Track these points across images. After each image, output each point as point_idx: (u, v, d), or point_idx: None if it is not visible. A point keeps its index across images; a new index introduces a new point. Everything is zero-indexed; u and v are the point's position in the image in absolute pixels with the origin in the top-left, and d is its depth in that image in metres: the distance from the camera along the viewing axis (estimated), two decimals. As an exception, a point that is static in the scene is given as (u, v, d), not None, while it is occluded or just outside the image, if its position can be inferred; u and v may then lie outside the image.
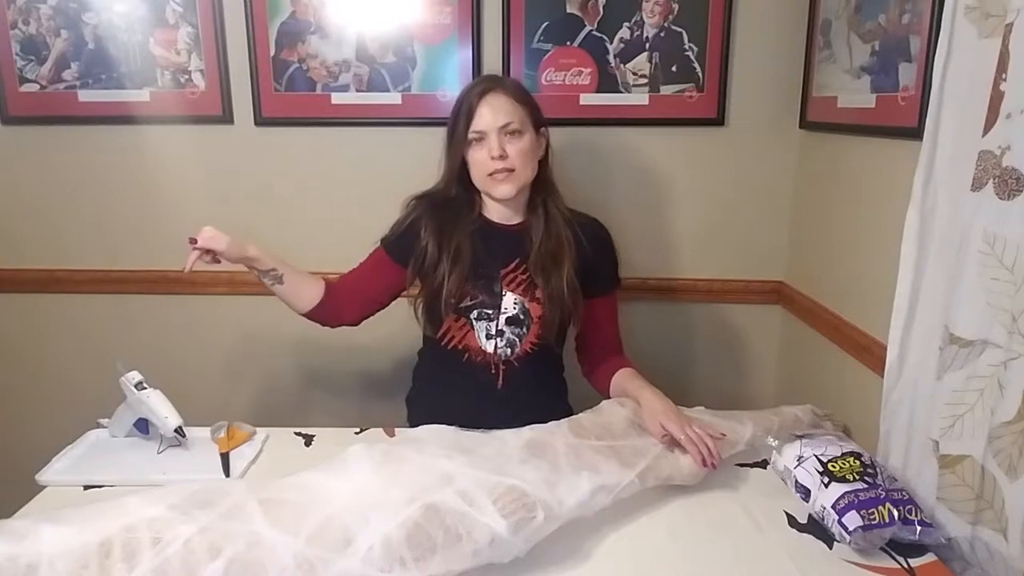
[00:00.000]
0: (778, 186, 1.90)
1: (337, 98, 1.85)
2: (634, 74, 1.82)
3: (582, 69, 1.82)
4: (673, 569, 1.08)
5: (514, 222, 1.50)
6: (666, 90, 1.83)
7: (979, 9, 1.08)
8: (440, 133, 1.48)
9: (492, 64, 1.82)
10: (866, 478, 1.18)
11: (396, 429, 1.50)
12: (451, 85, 1.83)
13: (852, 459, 1.23)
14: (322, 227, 1.92)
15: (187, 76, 1.84)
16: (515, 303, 1.46)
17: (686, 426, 1.28)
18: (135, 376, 1.37)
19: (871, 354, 1.44)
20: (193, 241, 1.34)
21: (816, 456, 1.25)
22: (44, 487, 1.28)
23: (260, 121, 1.87)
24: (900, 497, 1.14)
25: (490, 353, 1.47)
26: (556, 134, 1.50)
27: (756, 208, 1.91)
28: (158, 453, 1.39)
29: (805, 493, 1.22)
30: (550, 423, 1.35)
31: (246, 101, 1.86)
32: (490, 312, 1.46)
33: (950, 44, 1.12)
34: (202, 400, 1.72)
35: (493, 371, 1.48)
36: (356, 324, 1.53)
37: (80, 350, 2.01)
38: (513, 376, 1.48)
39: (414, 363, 1.65)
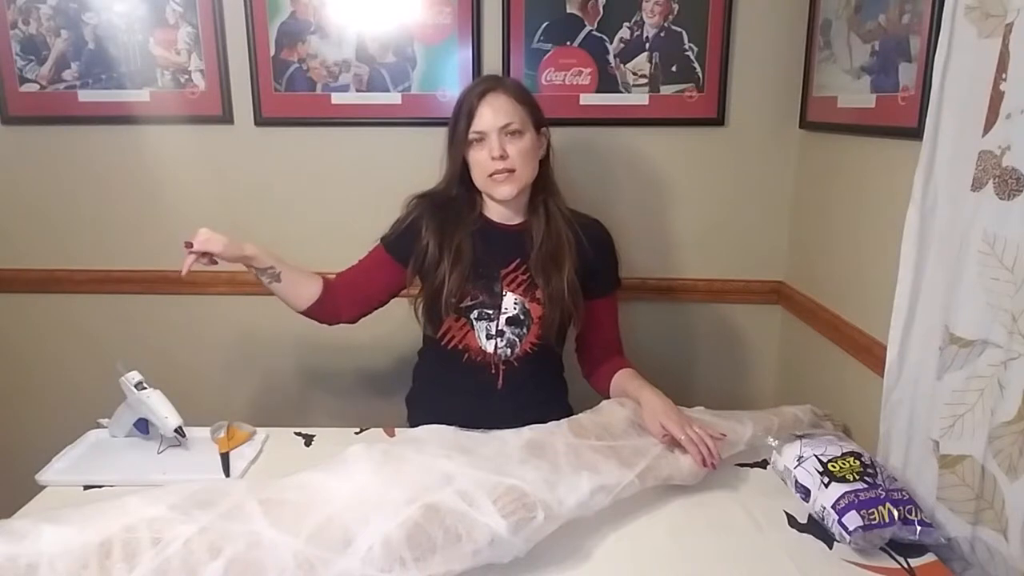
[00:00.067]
0: (778, 186, 1.90)
1: (337, 98, 1.85)
2: (634, 74, 1.82)
3: (582, 69, 1.82)
4: (673, 569, 1.08)
5: (515, 222, 1.50)
6: (666, 90, 1.83)
7: (979, 9, 1.08)
8: (440, 133, 1.48)
9: (492, 64, 1.82)
10: (866, 478, 1.18)
11: (396, 429, 1.50)
12: (451, 85, 1.83)
13: (852, 459, 1.23)
14: (322, 227, 1.92)
15: (187, 76, 1.84)
16: (515, 303, 1.46)
17: (686, 426, 1.28)
18: (135, 376, 1.37)
19: (871, 354, 1.44)
20: (189, 245, 1.33)
21: (816, 456, 1.25)
22: (44, 487, 1.28)
23: (260, 121, 1.87)
24: (900, 497, 1.14)
25: (490, 353, 1.47)
26: (556, 134, 1.50)
27: (756, 208, 1.91)
28: (158, 453, 1.39)
29: (805, 493, 1.22)
30: (550, 423, 1.35)
31: (246, 101, 1.86)
32: (490, 312, 1.46)
33: (950, 44, 1.12)
34: (202, 400, 1.72)
35: (493, 371, 1.48)
36: (354, 322, 1.53)
37: (80, 350, 2.01)
38: (513, 376, 1.48)
39: (414, 363, 1.65)
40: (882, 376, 1.29)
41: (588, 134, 1.86)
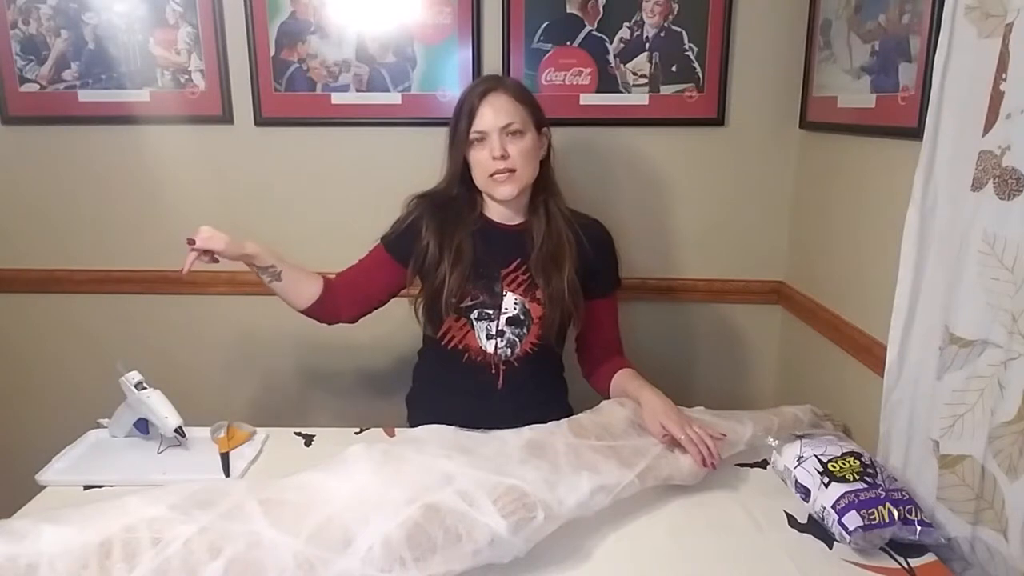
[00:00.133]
0: (778, 186, 1.90)
1: (337, 98, 1.85)
2: (634, 74, 1.82)
3: (582, 69, 1.82)
4: (673, 569, 1.08)
5: (515, 222, 1.50)
6: (666, 90, 1.83)
7: (979, 9, 1.08)
8: (440, 133, 1.48)
9: (492, 64, 1.82)
10: (866, 478, 1.18)
11: (396, 429, 1.50)
12: (451, 85, 1.83)
13: (852, 459, 1.23)
14: (322, 227, 1.92)
15: (187, 76, 1.84)
16: (515, 303, 1.46)
17: (686, 426, 1.28)
18: (135, 376, 1.37)
19: (871, 354, 1.44)
20: (191, 242, 1.34)
21: (816, 456, 1.25)
22: (44, 487, 1.28)
23: (260, 121, 1.87)
24: (900, 497, 1.14)
25: (490, 353, 1.47)
26: (556, 134, 1.50)
27: (756, 208, 1.91)
28: (158, 453, 1.39)
29: (805, 493, 1.22)
30: (550, 423, 1.35)
31: (246, 101, 1.86)
32: (490, 312, 1.46)
33: (950, 44, 1.12)
34: (202, 400, 1.72)
35: (493, 371, 1.48)
36: (354, 322, 1.53)
37: (80, 350, 2.01)
38: (513, 376, 1.48)
39: (414, 363, 1.65)
40: (882, 376, 1.29)
41: (588, 134, 1.86)
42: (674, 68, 1.81)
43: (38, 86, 1.86)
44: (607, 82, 1.83)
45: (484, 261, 1.46)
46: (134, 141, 1.88)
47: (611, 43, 1.81)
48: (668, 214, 1.93)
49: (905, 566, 1.09)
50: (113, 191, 1.92)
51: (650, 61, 1.81)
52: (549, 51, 1.81)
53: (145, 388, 1.36)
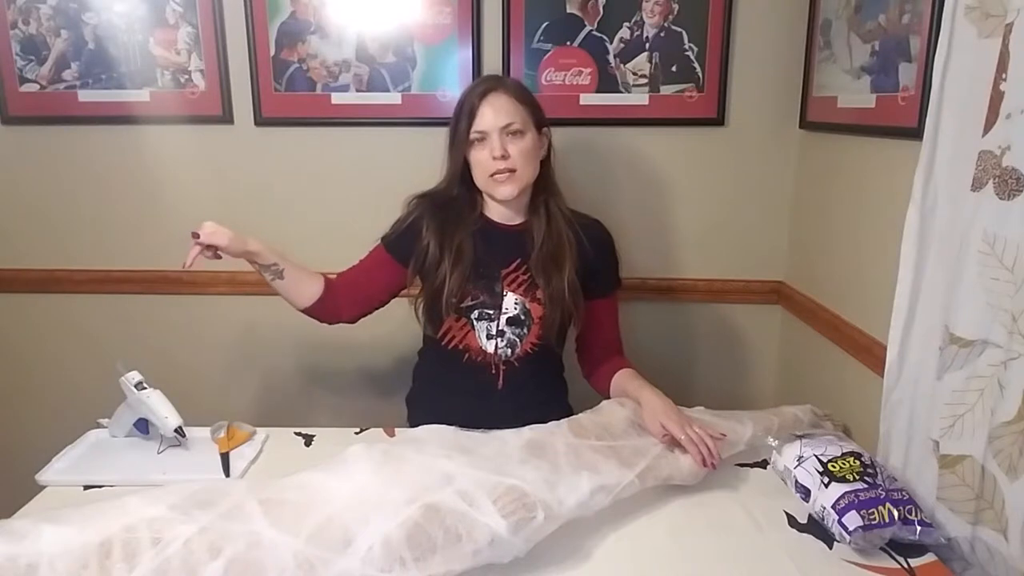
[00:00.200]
0: (778, 186, 1.90)
1: (337, 98, 1.85)
2: (634, 74, 1.82)
3: (582, 69, 1.82)
4: (673, 569, 1.08)
5: (516, 222, 1.50)
6: (666, 90, 1.83)
7: (979, 9, 1.08)
8: (440, 133, 1.48)
9: (492, 64, 1.82)
10: (866, 478, 1.18)
11: (396, 429, 1.50)
12: (451, 85, 1.83)
13: (852, 459, 1.23)
14: (322, 227, 1.92)
15: (187, 76, 1.84)
16: (516, 303, 1.46)
17: (686, 426, 1.28)
18: (135, 376, 1.37)
19: (871, 354, 1.44)
20: (196, 236, 1.33)
21: (816, 456, 1.25)
22: (44, 487, 1.28)
23: (260, 121, 1.87)
24: (900, 497, 1.14)
25: (490, 353, 1.47)
26: (556, 134, 1.50)
27: (756, 208, 1.91)
28: (158, 453, 1.39)
29: (805, 493, 1.22)
30: (550, 423, 1.35)
31: (246, 101, 1.86)
32: (491, 312, 1.46)
33: (950, 44, 1.12)
34: (202, 400, 1.72)
35: (493, 371, 1.48)
36: (354, 322, 1.53)
37: (80, 350, 2.01)
38: (513, 376, 1.48)
39: (414, 363, 1.65)
40: (882, 376, 1.29)
41: (588, 134, 1.86)
42: (674, 68, 1.81)
43: (38, 86, 1.86)
44: (607, 82, 1.83)
45: (484, 261, 1.46)
46: (134, 141, 1.88)
47: (611, 43, 1.81)
48: (668, 214, 1.93)
49: (905, 566, 1.09)
50: (113, 191, 1.92)
51: (650, 61, 1.81)
52: (549, 51, 1.81)
53: (145, 388, 1.36)
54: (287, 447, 1.44)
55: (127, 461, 1.37)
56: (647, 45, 1.81)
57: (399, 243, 1.49)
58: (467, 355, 1.48)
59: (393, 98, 1.84)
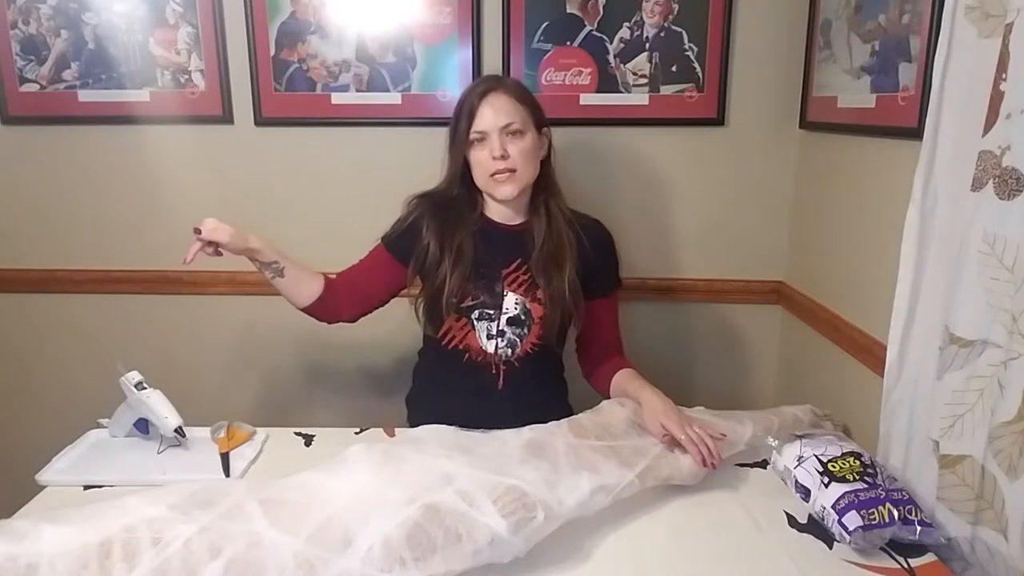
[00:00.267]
0: (778, 186, 1.90)
1: (337, 98, 1.85)
2: (634, 74, 1.82)
3: (582, 69, 1.82)
4: (673, 569, 1.08)
5: (516, 222, 1.50)
6: (666, 90, 1.83)
7: (979, 9, 1.08)
8: (440, 133, 1.48)
9: (492, 64, 1.82)
10: (866, 478, 1.18)
11: (396, 429, 1.50)
12: (451, 85, 1.83)
13: (852, 459, 1.23)
14: (322, 227, 1.92)
15: (187, 76, 1.84)
16: (516, 303, 1.46)
17: (686, 426, 1.28)
18: (135, 376, 1.37)
19: (871, 354, 1.44)
20: (197, 231, 1.33)
21: (816, 456, 1.25)
22: (44, 487, 1.28)
23: (260, 121, 1.87)
24: (900, 497, 1.14)
25: (491, 353, 1.47)
26: (556, 134, 1.50)
27: (756, 208, 1.91)
28: (158, 453, 1.39)
29: (805, 493, 1.22)
30: (550, 423, 1.35)
31: (246, 101, 1.86)
32: (491, 312, 1.46)
33: (950, 44, 1.12)
34: (202, 400, 1.72)
35: (494, 371, 1.48)
36: (354, 321, 1.53)
37: (80, 350, 2.01)
38: (513, 376, 1.48)
39: (414, 363, 1.65)
40: (882, 376, 1.29)
41: (588, 134, 1.86)
42: (674, 68, 1.81)
43: (38, 86, 1.86)
44: (607, 82, 1.83)
45: (485, 261, 1.46)
46: (134, 141, 1.88)
47: (611, 43, 1.81)
48: (668, 214, 1.93)
49: (905, 566, 1.09)
50: (113, 191, 1.92)
51: (650, 61, 1.81)
52: (549, 51, 1.81)
53: (145, 388, 1.36)
54: (287, 447, 1.44)
55: (127, 461, 1.37)
56: (647, 45, 1.81)
57: (399, 243, 1.49)
58: (467, 355, 1.48)
59: (393, 98, 1.84)
